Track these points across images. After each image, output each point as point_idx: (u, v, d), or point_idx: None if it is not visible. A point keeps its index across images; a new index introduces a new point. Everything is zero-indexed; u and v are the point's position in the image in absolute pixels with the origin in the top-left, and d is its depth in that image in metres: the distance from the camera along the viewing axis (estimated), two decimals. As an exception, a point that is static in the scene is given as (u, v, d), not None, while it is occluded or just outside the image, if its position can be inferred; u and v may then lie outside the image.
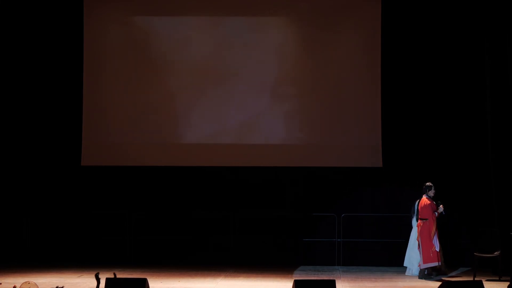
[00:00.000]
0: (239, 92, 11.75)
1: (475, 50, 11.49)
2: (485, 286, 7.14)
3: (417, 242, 10.20)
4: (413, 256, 10.39)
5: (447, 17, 11.57)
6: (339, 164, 11.66)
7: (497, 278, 9.94)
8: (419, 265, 10.17)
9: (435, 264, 10.07)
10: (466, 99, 11.54)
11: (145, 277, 7.37)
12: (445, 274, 10.30)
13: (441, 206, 10.26)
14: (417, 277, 10.21)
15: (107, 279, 7.27)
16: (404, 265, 10.56)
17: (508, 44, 10.81)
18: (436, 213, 10.18)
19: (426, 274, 10.13)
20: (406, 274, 10.46)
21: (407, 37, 11.64)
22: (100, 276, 7.98)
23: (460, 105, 11.55)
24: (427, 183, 10.33)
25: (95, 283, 9.45)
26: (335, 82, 11.67)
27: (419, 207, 10.28)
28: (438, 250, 10.08)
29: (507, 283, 9.16)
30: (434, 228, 10.09)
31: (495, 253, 10.08)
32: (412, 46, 11.63)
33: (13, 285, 8.78)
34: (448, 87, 11.58)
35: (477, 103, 11.46)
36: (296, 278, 7.30)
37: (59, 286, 8.84)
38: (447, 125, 11.57)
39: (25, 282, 8.29)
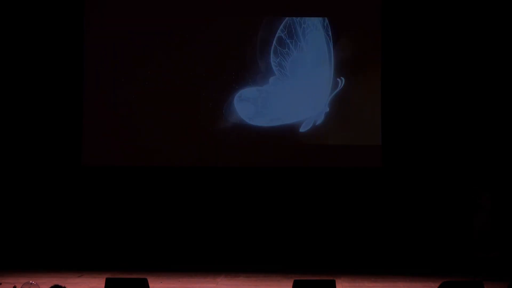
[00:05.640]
0: (238, 89, 11.74)
1: (475, 48, 11.49)
2: (485, 286, 7.13)
3: None
4: None
5: (448, 13, 11.56)
6: (338, 164, 11.65)
7: (497, 278, 9.93)
8: None
9: None
10: (467, 97, 11.52)
11: (145, 277, 7.36)
12: None
13: None
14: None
15: (107, 279, 7.27)
16: None
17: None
18: None
19: None
20: None
21: (408, 35, 11.63)
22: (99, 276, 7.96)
23: (461, 103, 11.53)
24: None
25: (95, 283, 9.47)
26: (334, 79, 11.65)
27: None
28: None
29: (507, 283, 9.14)
30: None
31: (495, 253, 10.08)
32: (413, 44, 11.61)
33: (13, 285, 8.79)
34: (450, 85, 11.57)
35: (479, 102, 11.46)
36: (296, 278, 7.30)
37: (60, 285, 8.84)
38: (448, 124, 11.56)
39: (26, 282, 8.29)
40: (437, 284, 7.26)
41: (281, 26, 11.66)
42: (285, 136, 11.65)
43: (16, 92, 12.03)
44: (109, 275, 8.83)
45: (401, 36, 11.64)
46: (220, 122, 11.75)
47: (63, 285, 8.83)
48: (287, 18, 11.65)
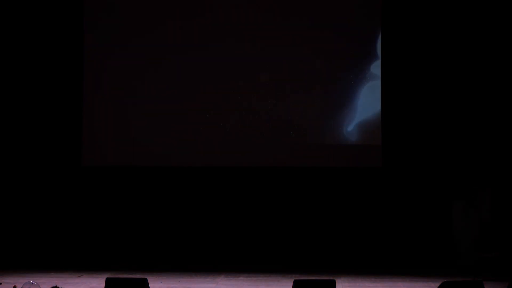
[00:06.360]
0: (238, 91, 11.74)
1: (475, 48, 11.49)
2: (485, 286, 7.13)
3: None
4: None
5: (448, 14, 11.55)
6: (338, 164, 11.65)
7: (497, 278, 9.93)
8: None
9: None
10: (467, 97, 11.51)
11: (145, 277, 7.36)
12: None
13: None
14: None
15: (107, 279, 7.27)
16: None
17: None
18: None
19: None
20: None
21: (408, 34, 11.62)
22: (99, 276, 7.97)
23: (461, 103, 11.52)
24: None
25: (95, 283, 9.47)
26: (333, 78, 11.64)
27: None
28: None
29: (507, 283, 9.14)
30: None
31: (495, 253, 10.08)
32: (414, 42, 11.60)
33: (13, 285, 8.80)
34: (450, 85, 11.55)
35: (479, 102, 11.45)
36: (296, 278, 7.30)
37: (59, 286, 8.85)
38: (448, 124, 11.54)
39: (27, 282, 8.30)
40: (437, 284, 7.26)
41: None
42: (285, 136, 11.65)
43: (16, 93, 12.04)
44: (109, 275, 8.82)
45: (402, 36, 11.63)
46: (220, 122, 11.74)
47: (63, 285, 8.88)
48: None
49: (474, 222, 11.17)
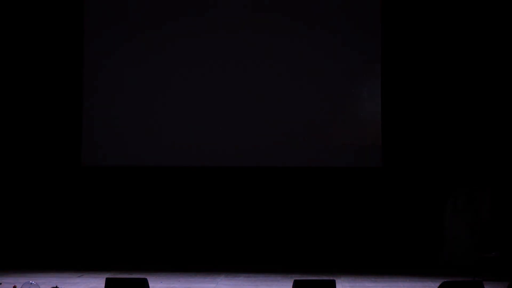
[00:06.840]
0: (238, 92, 11.74)
1: (475, 48, 11.49)
2: (485, 286, 7.13)
3: None
4: None
5: (448, 14, 11.56)
6: (338, 164, 11.65)
7: (497, 278, 9.93)
8: None
9: None
10: (467, 97, 11.51)
11: (145, 277, 7.37)
12: None
13: None
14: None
15: (107, 279, 7.27)
16: None
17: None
18: None
19: None
20: None
21: (408, 32, 11.62)
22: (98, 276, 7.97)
23: (461, 103, 11.52)
24: None
25: (95, 283, 9.47)
26: (333, 79, 11.64)
27: None
28: None
29: (507, 283, 9.14)
30: None
31: (495, 253, 10.08)
32: (414, 42, 11.60)
33: (13, 285, 8.80)
34: (449, 85, 11.55)
35: (479, 101, 11.46)
36: (296, 278, 7.30)
37: (59, 287, 8.85)
38: (448, 124, 11.54)
39: (26, 282, 8.30)
40: (437, 284, 7.27)
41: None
42: (285, 136, 11.64)
43: (16, 93, 12.04)
44: (109, 275, 8.82)
45: (402, 36, 11.64)
46: (220, 123, 11.74)
47: (62, 285, 8.87)
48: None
49: (474, 222, 11.18)
